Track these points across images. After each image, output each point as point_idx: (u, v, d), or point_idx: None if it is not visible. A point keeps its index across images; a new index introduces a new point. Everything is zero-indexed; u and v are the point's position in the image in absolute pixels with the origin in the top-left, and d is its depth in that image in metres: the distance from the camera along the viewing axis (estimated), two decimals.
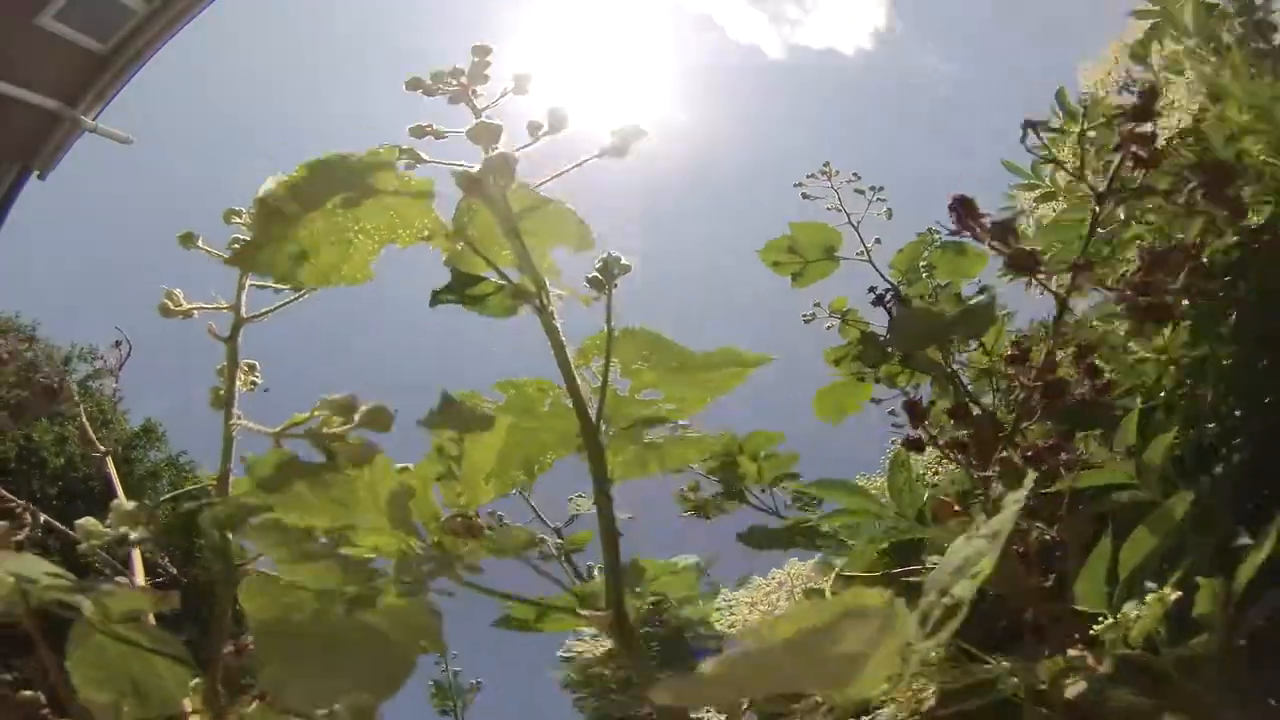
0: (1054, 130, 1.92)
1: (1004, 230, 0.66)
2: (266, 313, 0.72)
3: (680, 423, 0.70)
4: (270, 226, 0.56)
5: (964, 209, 0.66)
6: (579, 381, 0.62)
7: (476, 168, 0.58)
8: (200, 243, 0.73)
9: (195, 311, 0.72)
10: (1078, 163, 0.72)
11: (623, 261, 0.64)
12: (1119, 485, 1.02)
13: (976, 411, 0.84)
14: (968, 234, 0.66)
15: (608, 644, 1.74)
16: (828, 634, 0.38)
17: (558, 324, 0.61)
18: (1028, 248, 0.64)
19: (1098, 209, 0.66)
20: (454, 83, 0.65)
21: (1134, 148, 0.63)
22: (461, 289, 0.65)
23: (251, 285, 0.72)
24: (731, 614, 1.04)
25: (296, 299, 0.72)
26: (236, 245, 0.70)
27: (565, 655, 1.93)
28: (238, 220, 0.72)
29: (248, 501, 0.54)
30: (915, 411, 0.74)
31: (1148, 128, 0.63)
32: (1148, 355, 1.28)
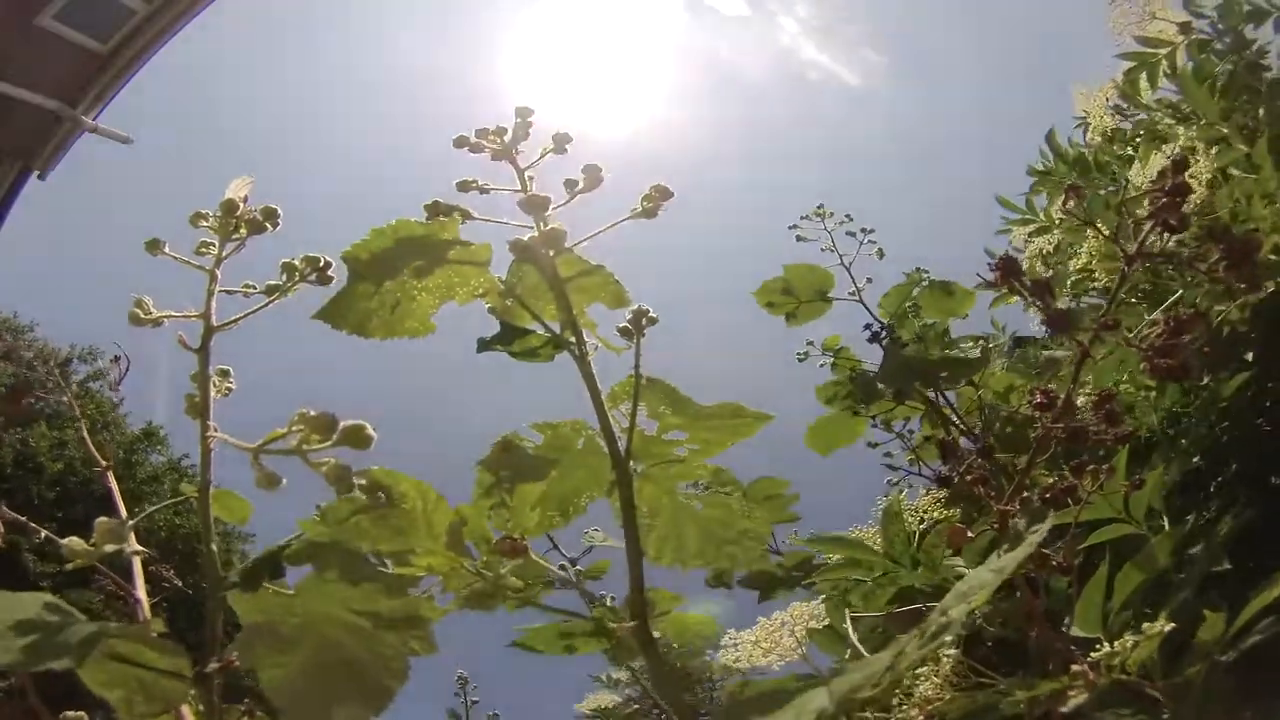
0: (1043, 173, 1.97)
1: (1043, 290, 0.71)
2: (237, 320, 0.71)
3: (707, 483, 0.75)
4: (354, 285, 0.62)
5: (1007, 269, 0.71)
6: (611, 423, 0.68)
7: (528, 236, 0.63)
8: (169, 250, 0.71)
9: (165, 320, 0.70)
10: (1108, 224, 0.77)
11: (650, 314, 0.69)
12: (1108, 520, 1.07)
13: (973, 447, 0.88)
14: (1007, 290, 0.71)
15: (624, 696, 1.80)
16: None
17: (594, 370, 0.67)
18: (1064, 308, 0.69)
19: (1126, 270, 0.71)
20: (497, 141, 0.70)
21: (1165, 216, 0.68)
22: (510, 339, 0.71)
23: (221, 291, 0.71)
24: (738, 650, 1.08)
25: (266, 305, 0.72)
26: (209, 246, 0.71)
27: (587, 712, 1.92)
28: (205, 224, 0.72)
29: (320, 540, 0.59)
30: (947, 450, 0.79)
31: (1179, 200, 0.68)
32: (1139, 396, 1.33)
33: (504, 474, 0.68)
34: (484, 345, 0.71)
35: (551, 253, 0.65)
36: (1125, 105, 1.93)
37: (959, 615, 0.53)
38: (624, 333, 0.70)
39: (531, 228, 0.67)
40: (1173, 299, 1.21)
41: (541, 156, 0.70)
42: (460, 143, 0.70)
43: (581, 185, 0.69)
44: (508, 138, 0.69)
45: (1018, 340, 2.04)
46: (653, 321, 0.70)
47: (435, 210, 0.65)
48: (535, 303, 0.68)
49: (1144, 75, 1.78)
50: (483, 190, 0.68)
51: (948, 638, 0.53)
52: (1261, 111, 1.66)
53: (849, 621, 1.05)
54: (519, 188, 0.69)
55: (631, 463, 0.68)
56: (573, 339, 0.67)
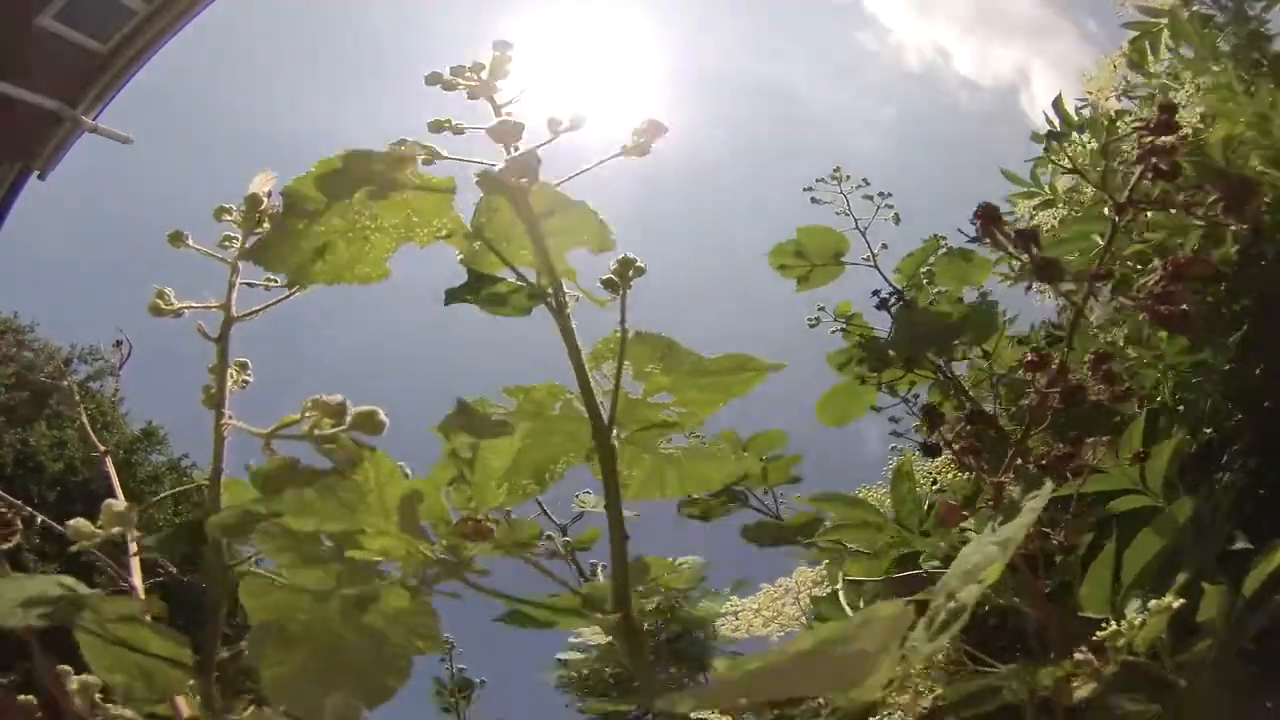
0: (1055, 137, 1.94)
1: (1027, 239, 0.67)
2: (256, 311, 0.71)
3: (695, 432, 0.70)
4: (291, 221, 0.55)
5: (988, 217, 0.67)
6: (591, 384, 0.62)
7: (498, 166, 0.58)
8: (192, 242, 0.72)
9: (185, 310, 0.71)
10: (1095, 172, 0.73)
11: (638, 264, 0.64)
12: (1123, 490, 1.03)
13: (962, 413, 0.85)
14: (988, 241, 0.67)
15: (606, 639, 1.74)
16: (843, 640, 0.39)
17: (573, 324, 0.61)
18: (1050, 256, 0.65)
19: (1117, 219, 0.67)
20: (474, 78, 0.64)
21: (1155, 160, 0.64)
22: (478, 289, 0.64)
23: (242, 283, 0.71)
24: (738, 619, 1.04)
25: (287, 297, 0.71)
26: (232, 240, 0.71)
27: (563, 658, 1.92)
28: (228, 218, 0.72)
29: (254, 508, 0.54)
30: (933, 417, 0.75)
31: (1168, 141, 0.64)
32: (1146, 361, 1.29)
33: (462, 440, 0.60)
34: (452, 296, 0.64)
35: (524, 182, 0.58)
36: (1131, 82, 1.90)
37: (970, 599, 0.48)
38: (609, 285, 0.64)
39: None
40: (1139, 246, 1.16)
41: (520, 93, 0.64)
42: (434, 79, 0.64)
43: (566, 124, 0.63)
44: (485, 74, 0.64)
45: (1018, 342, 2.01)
46: (640, 271, 0.64)
47: (398, 145, 0.58)
48: (507, 246, 0.61)
49: (1148, 45, 1.75)
50: (456, 131, 0.62)
51: (959, 626, 0.48)
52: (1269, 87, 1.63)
53: (841, 584, 1.01)
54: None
55: (615, 429, 0.62)
56: (550, 288, 0.60)
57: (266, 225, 0.70)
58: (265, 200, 0.71)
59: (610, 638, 1.02)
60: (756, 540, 1.37)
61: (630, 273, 0.64)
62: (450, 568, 0.58)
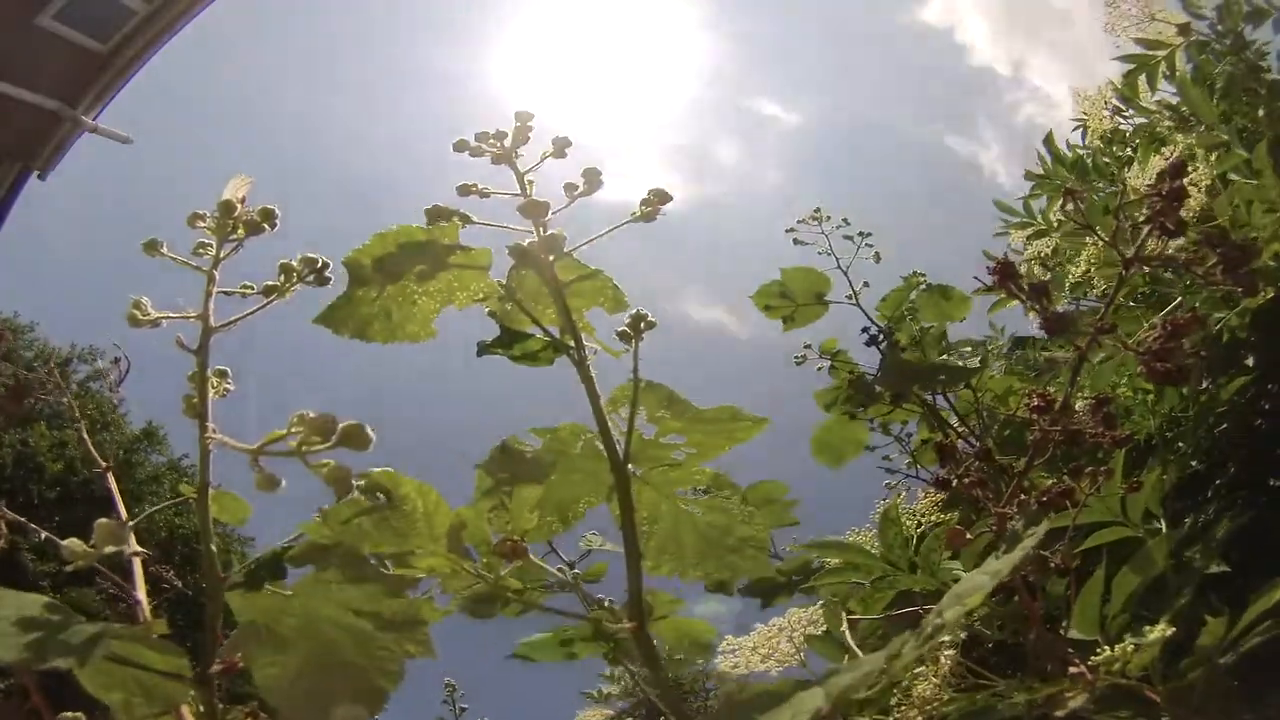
0: (1040, 177, 1.97)
1: (1041, 293, 0.71)
2: (235, 321, 0.71)
3: (705, 488, 0.75)
4: (354, 290, 0.63)
5: (1004, 272, 0.71)
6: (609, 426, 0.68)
7: (528, 241, 0.64)
8: (166, 250, 0.71)
9: (163, 321, 0.70)
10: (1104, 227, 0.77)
11: (649, 318, 0.69)
12: (1107, 522, 1.07)
13: (969, 450, 0.89)
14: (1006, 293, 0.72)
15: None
16: None
17: (593, 374, 0.68)
18: (1061, 311, 0.70)
19: (1124, 273, 0.72)
20: (497, 145, 0.70)
21: (1163, 220, 0.68)
22: (509, 343, 0.71)
23: (219, 293, 0.71)
24: (736, 656, 1.08)
25: (264, 306, 0.71)
26: (207, 247, 0.70)
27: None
28: (202, 224, 0.71)
29: (322, 542, 0.59)
30: (945, 453, 0.79)
31: (1176, 203, 0.69)
32: (1136, 400, 1.33)
33: (503, 476, 0.68)
34: (484, 349, 0.71)
35: (551, 257, 0.66)
36: (1124, 107, 1.93)
37: (953, 617, 0.55)
38: (623, 336, 0.70)
39: (531, 232, 0.67)
40: (1172, 305, 1.21)
41: (541, 160, 0.70)
42: (460, 146, 0.70)
43: (581, 189, 0.69)
44: (507, 141, 0.70)
45: (1017, 341, 2.04)
46: (650, 325, 0.70)
47: (436, 215, 0.66)
48: (535, 306, 0.69)
49: (1143, 77, 1.77)
50: (482, 194, 0.69)
51: (943, 639, 0.54)
52: (1261, 113, 1.66)
53: (846, 625, 1.05)
54: (519, 192, 0.69)
55: (630, 465, 0.69)
56: (571, 343, 0.67)
57: (242, 232, 0.70)
58: (239, 206, 0.71)
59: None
60: (756, 595, 1.41)
61: (641, 326, 0.70)
62: (491, 584, 0.64)
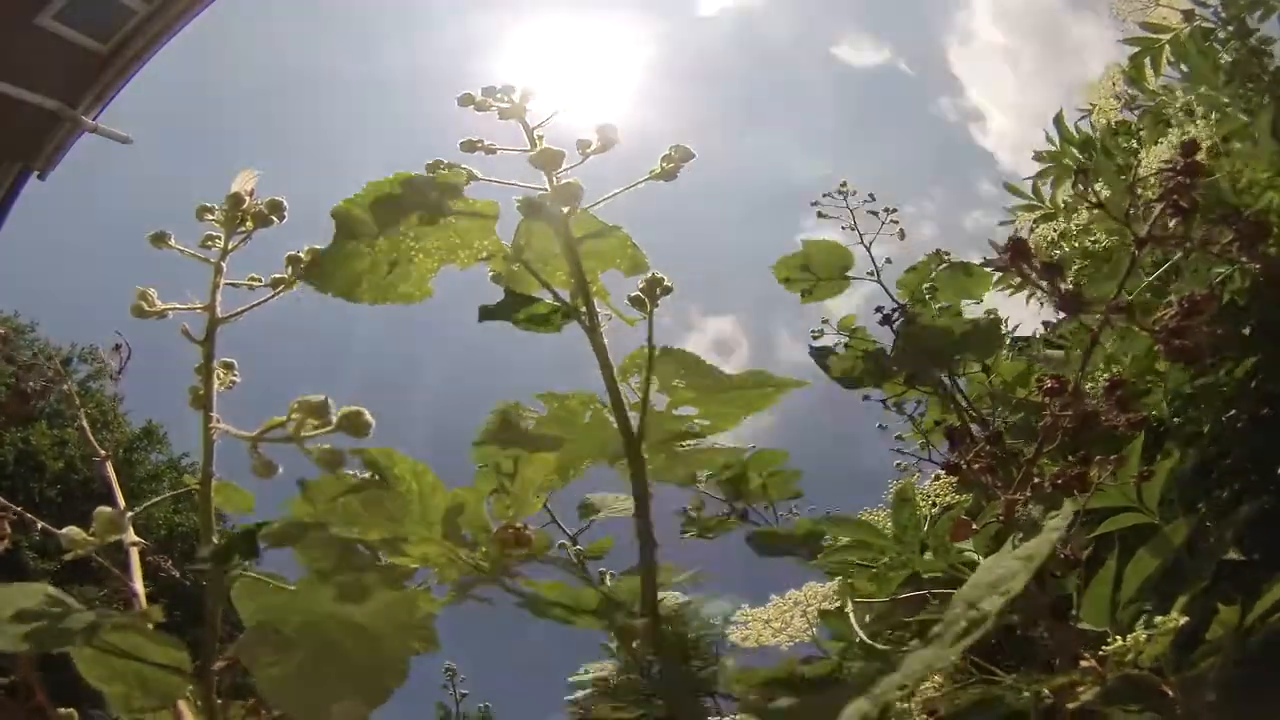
0: (1052, 159, 1.96)
1: (1053, 272, 0.69)
2: (242, 312, 0.70)
3: (711, 439, 0.72)
4: (343, 243, 0.57)
5: (1017, 251, 0.70)
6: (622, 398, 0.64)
7: (539, 192, 0.60)
8: (175, 243, 0.71)
9: (170, 313, 0.70)
10: (1101, 193, 0.75)
11: (665, 282, 0.66)
12: (1121, 508, 1.05)
13: (982, 433, 0.87)
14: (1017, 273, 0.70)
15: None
16: None
17: (605, 342, 0.63)
18: (1075, 290, 0.68)
19: (1137, 253, 0.70)
20: (506, 100, 0.66)
21: (1176, 198, 0.67)
22: (514, 308, 0.66)
23: (226, 284, 0.70)
24: (748, 629, 1.06)
25: (272, 297, 0.71)
26: (214, 240, 0.70)
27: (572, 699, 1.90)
28: (210, 218, 0.71)
29: (305, 521, 0.56)
30: (955, 436, 0.77)
31: (1189, 180, 0.67)
32: (1149, 381, 1.31)
33: (508, 451, 0.63)
34: (486, 314, 0.66)
35: (565, 210, 0.60)
36: (1132, 94, 1.92)
37: (993, 608, 0.50)
38: (636, 302, 0.66)
39: (542, 189, 0.62)
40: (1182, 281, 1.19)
41: (552, 116, 0.65)
42: (466, 100, 0.65)
43: (595, 145, 0.65)
44: (516, 95, 0.65)
45: (1014, 341, 2.03)
46: (668, 290, 0.66)
47: (437, 166, 0.61)
48: (544, 268, 0.64)
49: (1148, 60, 1.76)
50: (489, 150, 0.64)
51: (981, 633, 0.50)
52: (1266, 99, 1.65)
53: (851, 606, 1.03)
54: (529, 147, 0.64)
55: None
56: (583, 308, 0.63)
57: (250, 225, 0.70)
58: (248, 199, 0.70)
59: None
60: (760, 547, 1.38)
61: (658, 291, 0.66)
62: (490, 571, 0.60)
